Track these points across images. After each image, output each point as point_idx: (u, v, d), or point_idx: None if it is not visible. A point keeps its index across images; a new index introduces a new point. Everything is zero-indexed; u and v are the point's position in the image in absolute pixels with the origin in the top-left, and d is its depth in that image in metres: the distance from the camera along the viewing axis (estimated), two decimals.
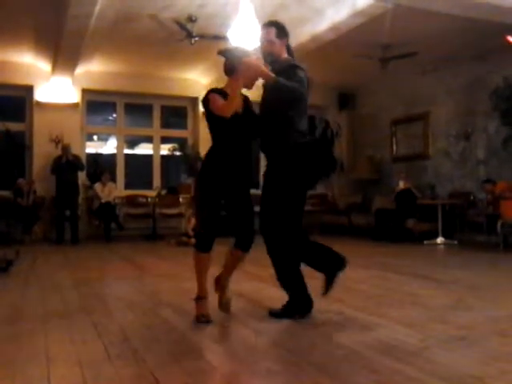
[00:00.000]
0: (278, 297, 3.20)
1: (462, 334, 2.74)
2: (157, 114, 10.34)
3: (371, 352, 2.43)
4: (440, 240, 7.83)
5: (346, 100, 11.05)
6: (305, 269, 3.13)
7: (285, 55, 3.19)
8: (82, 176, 9.02)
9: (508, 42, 6.65)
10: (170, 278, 4.87)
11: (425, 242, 7.84)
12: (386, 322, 3.01)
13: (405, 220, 8.35)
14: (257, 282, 4.37)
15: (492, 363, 2.27)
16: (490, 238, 7.49)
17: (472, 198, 8.19)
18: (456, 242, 7.77)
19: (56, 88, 8.97)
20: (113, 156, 10.69)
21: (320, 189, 10.83)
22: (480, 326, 2.93)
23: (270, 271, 3.20)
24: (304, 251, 3.13)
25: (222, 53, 3.07)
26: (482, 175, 8.21)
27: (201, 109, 10.10)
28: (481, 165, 8.36)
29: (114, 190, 9.14)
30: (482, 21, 6.12)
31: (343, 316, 3.20)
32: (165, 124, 10.76)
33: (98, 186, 8.95)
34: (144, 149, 14.52)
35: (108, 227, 8.74)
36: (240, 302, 3.56)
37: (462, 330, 2.81)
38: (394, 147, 10.13)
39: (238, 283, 4.40)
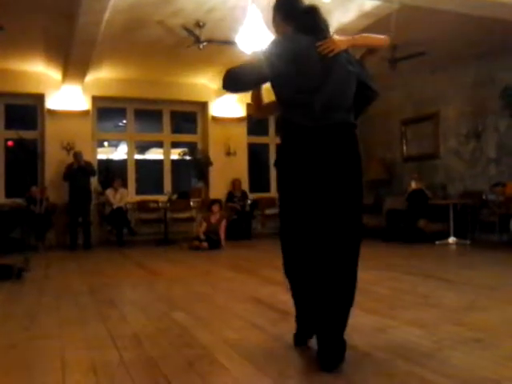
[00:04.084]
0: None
1: (477, 335, 2.71)
2: (166, 120, 10.40)
3: (384, 354, 2.42)
4: (452, 240, 7.77)
5: None
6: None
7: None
8: (94, 182, 9.10)
9: None
10: (182, 282, 4.89)
11: (437, 242, 7.78)
12: (399, 324, 2.99)
13: (416, 220, 8.30)
14: (273, 286, 4.35)
15: (509, 365, 2.25)
16: (503, 237, 7.42)
17: (484, 197, 8.12)
18: (468, 242, 7.70)
19: (67, 96, 9.07)
20: (124, 162, 10.76)
21: None
22: (495, 327, 2.90)
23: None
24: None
25: None
26: (493, 174, 8.14)
27: (211, 113, 10.13)
28: (492, 164, 8.29)
29: (126, 196, 9.19)
30: (490, 18, 6.08)
31: (356, 318, 3.18)
32: (175, 129, 10.82)
33: (109, 192, 9.01)
34: (154, 154, 14.62)
35: (120, 233, 8.80)
36: (255, 307, 3.57)
37: (476, 332, 2.78)
38: (405, 147, 10.08)
39: (255, 288, 4.41)
